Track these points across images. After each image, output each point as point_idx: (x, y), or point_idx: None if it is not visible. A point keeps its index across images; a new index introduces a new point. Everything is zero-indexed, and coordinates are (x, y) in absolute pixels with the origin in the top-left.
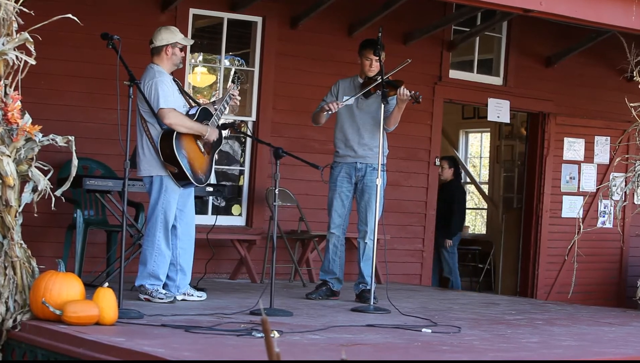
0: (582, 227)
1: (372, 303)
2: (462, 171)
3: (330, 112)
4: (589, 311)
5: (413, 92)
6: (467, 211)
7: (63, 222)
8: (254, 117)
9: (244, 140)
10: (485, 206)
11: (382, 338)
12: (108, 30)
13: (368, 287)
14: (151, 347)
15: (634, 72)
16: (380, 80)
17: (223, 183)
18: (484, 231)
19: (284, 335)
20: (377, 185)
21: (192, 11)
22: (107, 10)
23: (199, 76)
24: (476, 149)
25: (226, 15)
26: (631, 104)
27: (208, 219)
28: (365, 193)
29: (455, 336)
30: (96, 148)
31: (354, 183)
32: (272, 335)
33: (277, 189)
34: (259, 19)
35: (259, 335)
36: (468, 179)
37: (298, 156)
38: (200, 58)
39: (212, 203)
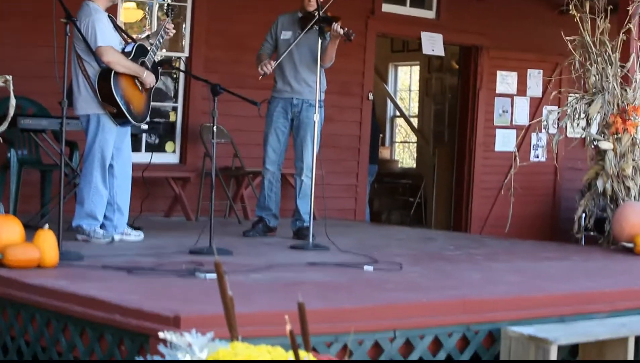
0: (518, 161)
1: (310, 240)
2: (391, 104)
3: (265, 74)
4: (526, 245)
5: (346, 29)
6: (396, 144)
7: None
8: (186, 53)
9: (175, 76)
10: (415, 140)
11: (325, 276)
12: None
13: (305, 224)
14: (97, 290)
15: (570, 6)
16: (317, 16)
17: (157, 120)
18: (413, 165)
19: (227, 275)
20: (314, 121)
21: None
22: None
23: (127, 12)
24: (405, 83)
25: None
26: (567, 38)
27: (142, 156)
28: (300, 129)
29: (397, 273)
30: (28, 86)
31: (290, 118)
32: (214, 275)
33: (215, 127)
34: None
35: (202, 275)
36: (397, 113)
37: (234, 92)
38: None
39: (146, 141)
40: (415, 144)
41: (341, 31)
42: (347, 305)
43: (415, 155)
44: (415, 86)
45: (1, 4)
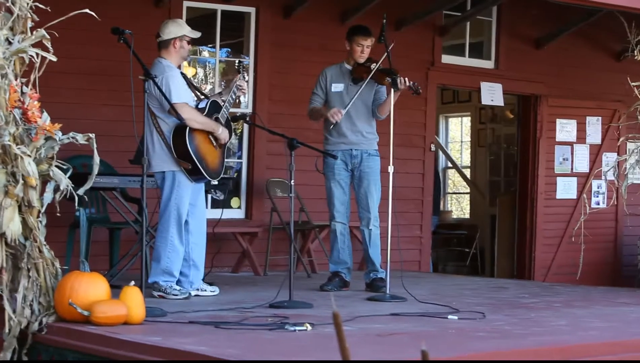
0: (588, 208)
1: (388, 291)
2: (443, 155)
3: (337, 123)
4: (599, 291)
5: (413, 83)
6: (448, 196)
7: (63, 221)
8: (250, 109)
9: (239, 132)
10: (466, 191)
11: (413, 327)
12: (100, 24)
13: (379, 275)
14: (193, 345)
15: (635, 51)
16: (377, 67)
17: (225, 176)
18: (465, 216)
19: (316, 328)
20: (388, 172)
21: (186, 4)
22: (100, 5)
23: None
24: (455, 134)
25: (220, 7)
26: (633, 83)
27: (208, 213)
28: (363, 179)
29: (483, 322)
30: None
31: (350, 169)
32: (304, 327)
33: (292, 181)
34: (252, 10)
35: (292, 328)
36: (449, 164)
37: (311, 145)
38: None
39: (211, 197)
40: (468, 195)
41: (408, 84)
42: (462, 354)
43: (468, 206)
44: (467, 137)
45: (65, 64)
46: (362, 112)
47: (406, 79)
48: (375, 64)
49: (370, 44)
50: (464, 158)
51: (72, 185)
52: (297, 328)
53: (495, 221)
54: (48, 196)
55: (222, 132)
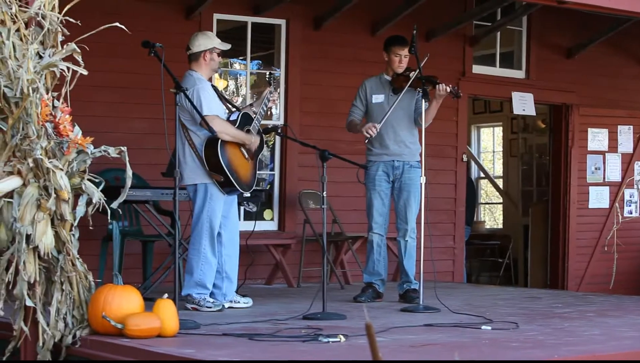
0: (621, 217)
1: (421, 302)
2: (476, 165)
3: (371, 137)
4: (633, 301)
5: (452, 87)
6: (481, 206)
7: (96, 234)
8: (281, 121)
9: (272, 144)
10: (498, 201)
11: (447, 337)
12: (130, 37)
13: (413, 286)
14: (226, 357)
15: None
16: (416, 75)
17: (258, 188)
18: (498, 226)
19: (350, 339)
20: (420, 183)
21: (216, 16)
22: (130, 18)
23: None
24: (487, 144)
25: (250, 19)
26: None
27: (241, 225)
28: (404, 191)
29: (516, 332)
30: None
31: (391, 181)
32: (338, 339)
33: (324, 193)
34: (282, 22)
35: (326, 340)
36: (482, 174)
37: (343, 157)
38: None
39: (244, 209)
40: (501, 205)
41: (448, 90)
42: None
43: (500, 216)
44: (499, 147)
45: (95, 77)
46: (404, 122)
47: (444, 84)
48: (413, 72)
49: (408, 54)
50: (496, 168)
51: (105, 198)
52: (331, 339)
53: (528, 231)
54: (81, 210)
55: (253, 142)
